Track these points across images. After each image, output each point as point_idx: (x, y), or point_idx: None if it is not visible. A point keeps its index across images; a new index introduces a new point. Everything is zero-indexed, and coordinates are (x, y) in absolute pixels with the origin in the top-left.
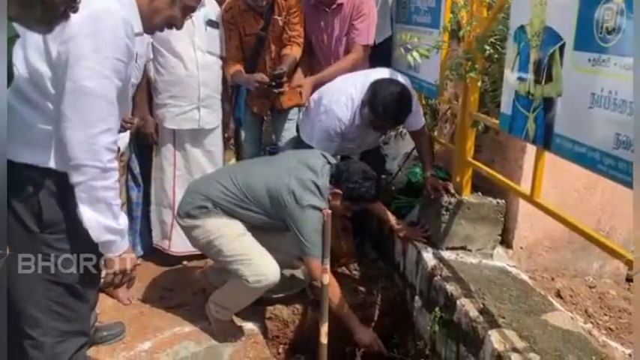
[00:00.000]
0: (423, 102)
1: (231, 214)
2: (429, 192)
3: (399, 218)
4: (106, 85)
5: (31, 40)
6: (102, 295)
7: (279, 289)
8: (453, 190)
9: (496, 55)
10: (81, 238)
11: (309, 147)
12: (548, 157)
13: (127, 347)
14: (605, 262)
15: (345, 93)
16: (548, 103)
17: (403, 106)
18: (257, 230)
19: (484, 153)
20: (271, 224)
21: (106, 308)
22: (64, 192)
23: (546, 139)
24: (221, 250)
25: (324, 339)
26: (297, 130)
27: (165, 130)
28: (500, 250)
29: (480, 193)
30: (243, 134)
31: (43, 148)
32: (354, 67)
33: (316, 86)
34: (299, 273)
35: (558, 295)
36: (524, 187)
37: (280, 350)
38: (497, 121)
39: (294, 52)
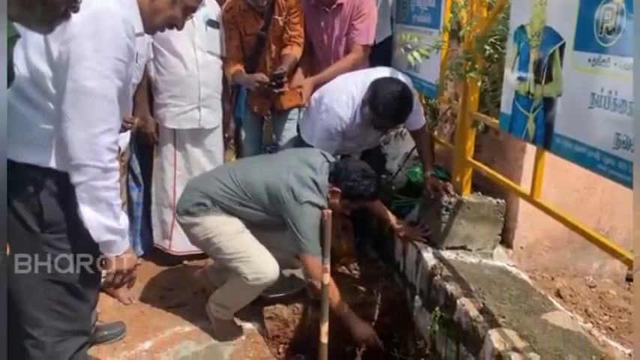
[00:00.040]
0: (423, 102)
1: (230, 212)
2: (429, 192)
3: (399, 218)
4: (107, 85)
5: (32, 40)
6: (102, 295)
7: (279, 288)
8: (452, 192)
9: (496, 55)
10: (82, 237)
11: (310, 147)
12: (548, 156)
13: (128, 347)
14: (605, 261)
15: (345, 92)
16: (548, 103)
17: (404, 105)
18: (256, 228)
19: (484, 153)
20: (270, 221)
21: (106, 308)
22: (65, 192)
23: (546, 139)
24: (220, 247)
25: (324, 338)
26: (298, 130)
27: (165, 130)
28: (500, 249)
29: (479, 193)
30: (243, 134)
31: (44, 148)
32: (354, 67)
33: (316, 87)
34: (299, 273)
35: (558, 294)
36: (524, 186)
37: (280, 350)
38: (497, 121)
39: (295, 52)
